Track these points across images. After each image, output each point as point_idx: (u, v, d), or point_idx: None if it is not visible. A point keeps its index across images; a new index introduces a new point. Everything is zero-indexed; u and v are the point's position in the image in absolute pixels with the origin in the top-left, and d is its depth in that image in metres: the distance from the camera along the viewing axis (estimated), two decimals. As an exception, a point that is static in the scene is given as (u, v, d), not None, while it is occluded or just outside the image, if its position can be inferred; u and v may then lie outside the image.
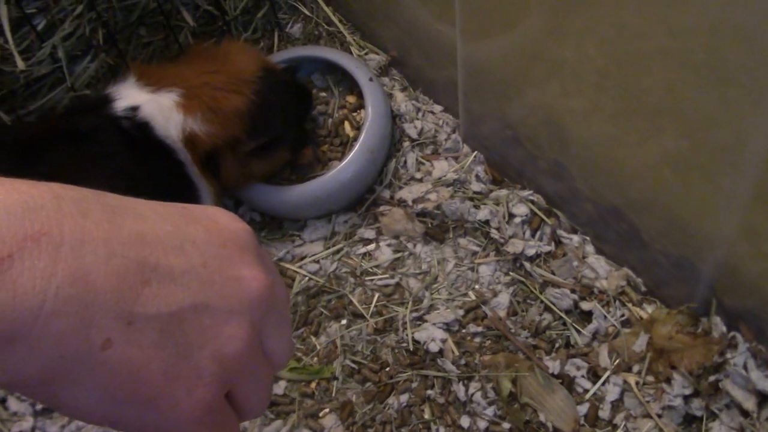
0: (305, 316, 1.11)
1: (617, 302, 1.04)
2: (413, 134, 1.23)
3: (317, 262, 1.16)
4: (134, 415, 0.34)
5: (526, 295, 1.08)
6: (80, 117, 1.02)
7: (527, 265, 1.09)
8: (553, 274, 1.08)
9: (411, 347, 1.05)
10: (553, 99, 0.97)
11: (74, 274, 0.30)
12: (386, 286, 1.12)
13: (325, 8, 1.41)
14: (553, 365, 1.00)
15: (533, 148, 1.08)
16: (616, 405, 0.98)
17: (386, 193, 1.20)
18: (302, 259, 1.17)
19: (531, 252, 1.08)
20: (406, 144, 1.23)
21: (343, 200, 1.18)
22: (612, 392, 0.98)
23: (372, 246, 1.16)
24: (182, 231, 0.35)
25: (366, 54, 1.35)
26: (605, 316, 1.03)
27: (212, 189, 1.08)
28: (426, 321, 1.07)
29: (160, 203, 0.36)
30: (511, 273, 1.09)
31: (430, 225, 1.15)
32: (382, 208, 1.19)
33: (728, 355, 0.93)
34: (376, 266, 1.14)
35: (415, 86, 1.30)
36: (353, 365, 1.06)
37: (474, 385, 1.01)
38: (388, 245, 1.15)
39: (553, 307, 1.05)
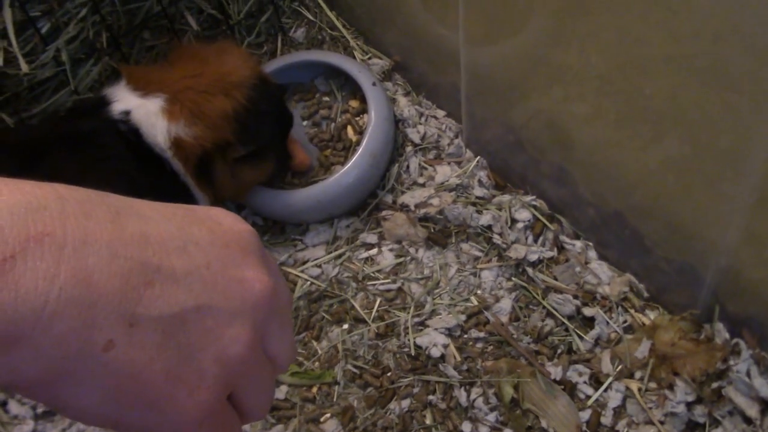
0: (307, 321, 1.11)
1: (620, 308, 1.04)
2: (416, 139, 1.23)
3: (319, 266, 1.16)
4: (136, 416, 0.34)
5: (529, 301, 1.08)
6: (81, 119, 1.02)
7: (530, 270, 1.08)
8: (556, 279, 1.08)
9: (413, 352, 1.05)
10: (555, 104, 0.97)
11: (77, 275, 0.30)
12: (388, 290, 1.12)
13: (329, 13, 1.41)
14: (555, 371, 1.00)
15: (536, 153, 1.08)
16: (619, 411, 0.98)
17: (389, 198, 1.20)
18: (304, 263, 1.17)
19: (533, 257, 1.08)
20: (409, 149, 1.23)
21: (345, 205, 1.18)
22: (614, 398, 0.98)
23: (374, 251, 1.16)
24: (186, 232, 0.35)
25: (369, 58, 1.35)
26: (608, 322, 1.03)
27: (207, 198, 1.08)
28: (428, 326, 1.07)
29: (163, 204, 0.36)
30: (513, 278, 1.09)
31: (432, 230, 1.15)
32: (384, 213, 1.18)
33: (731, 362, 0.92)
34: (378, 271, 1.14)
35: (418, 91, 1.30)
36: (355, 370, 1.06)
37: (476, 391, 1.01)
38: (390, 250, 1.15)
39: (555, 312, 1.05)
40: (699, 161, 0.82)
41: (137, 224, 0.33)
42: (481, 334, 1.05)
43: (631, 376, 0.99)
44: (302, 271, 1.15)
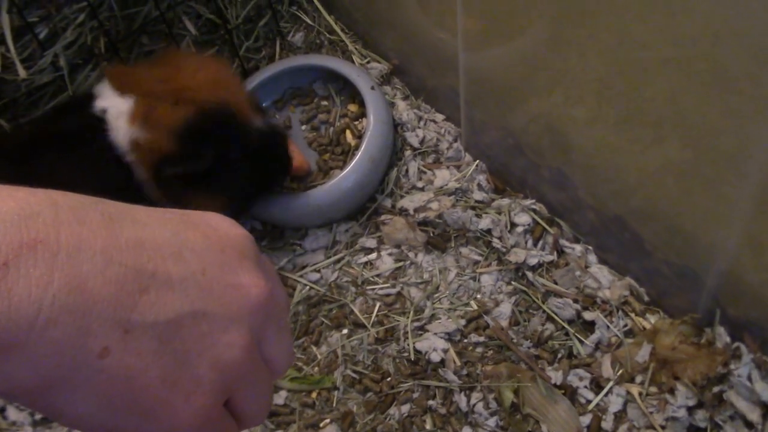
0: (306, 326, 1.11)
1: (620, 312, 1.04)
2: (415, 143, 1.23)
3: (318, 271, 1.16)
4: (132, 423, 0.34)
5: (528, 305, 1.07)
6: (69, 116, 1.02)
7: (529, 274, 1.08)
8: (556, 283, 1.07)
9: (412, 357, 1.05)
10: (555, 108, 0.97)
11: (71, 282, 0.30)
12: (387, 295, 1.12)
13: (327, 17, 1.41)
14: (555, 376, 1.00)
15: (535, 157, 1.07)
16: (619, 416, 0.97)
17: (388, 202, 1.20)
18: (303, 268, 1.16)
19: (533, 261, 1.08)
20: (408, 153, 1.23)
21: (344, 209, 1.18)
22: (615, 403, 0.98)
23: (373, 255, 1.16)
24: (181, 237, 0.35)
25: (368, 63, 1.35)
26: (608, 326, 1.03)
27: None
28: (427, 331, 1.07)
29: (158, 209, 0.36)
30: (513, 282, 1.09)
31: (431, 234, 1.15)
32: (383, 217, 1.18)
33: (732, 366, 0.92)
34: (378, 275, 1.14)
35: (417, 95, 1.30)
36: (354, 375, 1.05)
37: (476, 396, 1.00)
38: (390, 254, 1.15)
39: (555, 317, 1.05)
40: (699, 164, 0.81)
41: (132, 230, 0.33)
42: (481, 339, 1.05)
43: (631, 380, 0.99)
44: (301, 276, 1.15)
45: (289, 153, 1.13)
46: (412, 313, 1.08)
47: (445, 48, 1.11)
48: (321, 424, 1.03)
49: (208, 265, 0.35)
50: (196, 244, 0.35)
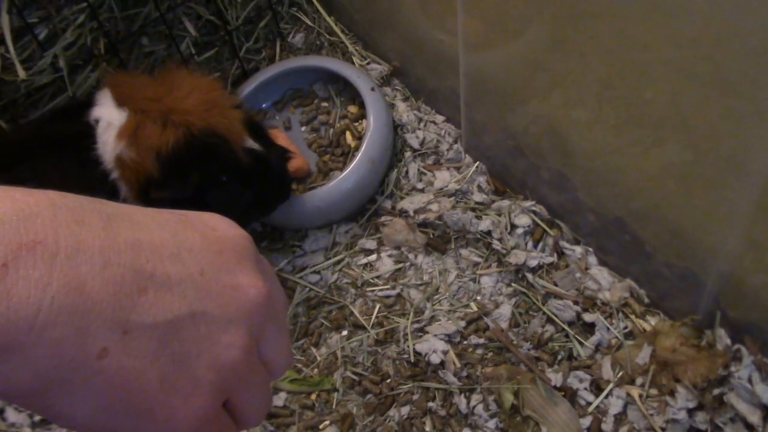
0: (306, 327, 1.11)
1: (620, 314, 1.03)
2: (415, 144, 1.23)
3: (318, 272, 1.15)
4: (130, 424, 0.34)
5: (529, 307, 1.07)
6: (66, 121, 1.01)
7: (529, 276, 1.08)
8: (556, 285, 1.07)
9: (412, 359, 1.05)
10: (555, 109, 0.97)
11: (70, 283, 0.30)
12: (387, 297, 1.11)
13: (327, 18, 1.41)
14: (555, 377, 1.00)
15: (536, 159, 1.07)
16: (620, 418, 0.97)
17: (387, 204, 1.19)
18: (303, 269, 1.16)
19: (533, 263, 1.08)
20: (408, 154, 1.23)
21: (344, 210, 1.18)
22: (615, 405, 0.97)
23: (373, 257, 1.16)
24: (179, 238, 0.35)
25: (368, 64, 1.35)
26: (608, 328, 1.03)
27: None
28: (427, 332, 1.07)
29: (157, 210, 0.36)
30: (513, 284, 1.09)
31: (431, 236, 1.15)
32: (383, 219, 1.18)
33: (733, 368, 0.92)
34: (377, 277, 1.13)
35: (417, 96, 1.30)
36: (354, 377, 1.05)
37: (476, 398, 1.00)
38: (390, 256, 1.15)
39: (555, 318, 1.05)
40: (699, 166, 0.81)
41: (130, 231, 0.33)
42: (481, 341, 1.05)
43: (632, 382, 0.99)
44: (301, 278, 1.15)
45: (287, 176, 1.11)
46: (411, 314, 1.08)
47: (445, 49, 1.11)
48: (321, 426, 1.02)
49: (207, 265, 0.35)
50: (194, 244, 0.35)
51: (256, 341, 0.37)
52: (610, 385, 0.99)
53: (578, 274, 1.07)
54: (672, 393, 0.95)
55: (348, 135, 1.27)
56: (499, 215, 1.13)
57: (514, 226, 1.12)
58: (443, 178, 1.19)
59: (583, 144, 0.96)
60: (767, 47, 0.65)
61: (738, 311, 0.92)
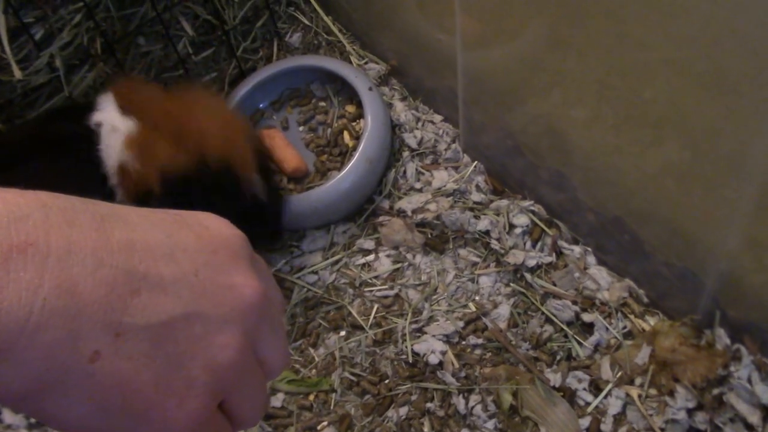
0: (303, 328, 1.10)
1: (619, 314, 1.03)
2: (413, 144, 1.23)
3: (316, 272, 1.15)
4: (125, 427, 0.33)
5: (527, 307, 1.07)
6: (65, 123, 1.00)
7: (528, 276, 1.08)
8: (554, 285, 1.07)
9: (410, 359, 1.04)
10: (554, 108, 0.96)
11: (61, 285, 0.30)
12: (385, 297, 1.11)
13: (325, 18, 1.40)
14: (554, 378, 0.99)
15: (534, 158, 1.07)
16: (619, 418, 0.97)
17: (385, 204, 1.19)
18: (301, 269, 1.16)
19: (532, 263, 1.08)
20: (406, 154, 1.22)
21: (342, 210, 1.17)
22: (614, 405, 0.97)
23: (371, 257, 1.15)
24: (173, 238, 0.35)
25: (365, 63, 1.34)
26: (607, 328, 1.02)
27: None
28: (425, 333, 1.06)
29: (150, 210, 0.36)
30: (511, 284, 1.08)
31: (429, 235, 1.14)
32: (381, 219, 1.18)
33: (732, 368, 0.91)
34: (375, 277, 1.13)
35: (415, 96, 1.30)
36: (352, 377, 1.05)
37: (474, 398, 1.00)
38: (388, 256, 1.14)
39: (554, 318, 1.04)
40: (699, 166, 0.81)
41: (123, 231, 0.33)
42: (480, 341, 1.04)
43: (631, 382, 0.98)
44: (299, 278, 1.14)
45: (281, 225, 1.09)
46: (410, 314, 1.08)
47: (443, 48, 1.11)
48: (318, 427, 1.02)
49: (201, 265, 0.35)
50: (188, 244, 0.35)
51: (252, 341, 0.37)
52: (609, 386, 0.98)
53: (577, 274, 1.07)
54: (671, 393, 0.95)
55: (346, 135, 1.26)
56: (498, 215, 1.13)
57: (512, 226, 1.11)
58: (441, 177, 1.19)
59: (582, 143, 0.96)
60: (766, 46, 0.65)
61: (737, 311, 0.92)
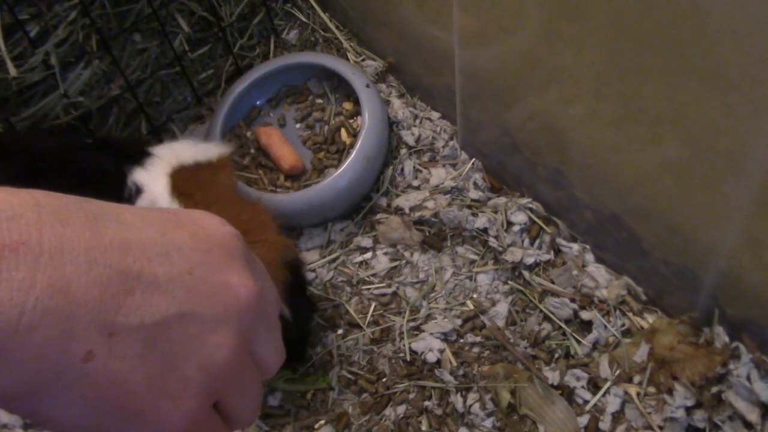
0: (301, 326, 1.10)
1: (617, 312, 1.03)
2: (410, 141, 1.22)
3: (313, 270, 1.15)
4: (119, 427, 0.33)
5: (525, 305, 1.07)
6: (100, 155, 0.96)
7: (526, 274, 1.07)
8: (553, 283, 1.07)
9: (408, 357, 1.04)
10: (552, 106, 0.96)
11: (54, 284, 0.29)
12: (383, 295, 1.11)
13: (322, 14, 1.40)
14: (552, 376, 0.99)
15: (532, 156, 1.07)
16: (617, 416, 0.97)
17: (383, 201, 1.19)
18: (298, 267, 1.15)
19: (530, 261, 1.07)
20: (403, 151, 1.22)
21: (339, 208, 1.17)
22: (613, 403, 0.97)
23: (369, 254, 1.15)
24: (167, 237, 0.34)
25: (363, 60, 1.34)
26: (605, 326, 1.02)
27: None
28: (423, 331, 1.06)
29: (145, 209, 0.35)
30: (509, 282, 1.08)
31: (427, 233, 1.14)
32: (378, 216, 1.17)
33: (731, 366, 0.91)
34: (373, 275, 1.13)
35: (412, 93, 1.29)
36: (349, 376, 1.04)
37: (472, 396, 1.00)
38: (385, 254, 1.14)
39: (552, 316, 1.04)
40: (697, 163, 0.81)
41: (117, 230, 0.32)
42: (478, 339, 1.04)
43: (629, 380, 0.98)
44: (296, 276, 1.14)
45: (305, 348, 1.06)
46: (407, 313, 1.08)
47: (440, 45, 1.11)
48: (316, 426, 1.02)
49: (196, 265, 0.35)
50: (183, 243, 0.35)
51: (247, 341, 0.37)
52: (608, 384, 0.98)
53: (575, 272, 1.06)
54: (670, 391, 0.95)
55: (343, 132, 1.26)
56: (496, 212, 1.13)
57: (510, 224, 1.11)
58: (439, 175, 1.18)
59: (580, 141, 0.96)
60: (765, 42, 0.64)
61: (736, 308, 0.92)
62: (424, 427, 0.99)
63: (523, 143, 1.07)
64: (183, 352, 0.33)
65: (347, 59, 1.34)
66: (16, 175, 0.92)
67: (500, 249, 1.09)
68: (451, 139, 1.22)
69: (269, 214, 0.96)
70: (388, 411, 1.01)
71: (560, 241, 1.09)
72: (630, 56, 0.79)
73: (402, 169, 1.21)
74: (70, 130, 1.19)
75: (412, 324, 1.07)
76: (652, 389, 0.97)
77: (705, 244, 0.88)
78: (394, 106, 1.26)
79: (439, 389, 1.01)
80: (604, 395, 0.98)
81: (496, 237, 1.10)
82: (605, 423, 0.96)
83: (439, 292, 1.09)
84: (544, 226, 1.11)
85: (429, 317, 1.07)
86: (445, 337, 1.05)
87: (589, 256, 1.08)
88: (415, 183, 1.19)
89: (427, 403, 1.00)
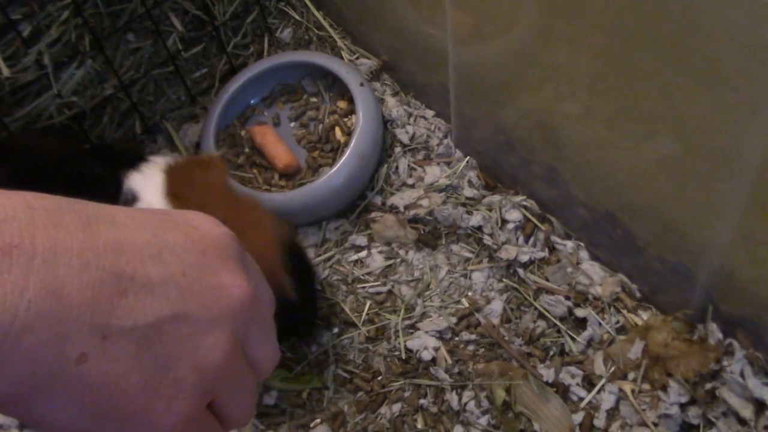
0: (296, 325, 1.10)
1: (612, 309, 1.03)
2: (405, 140, 1.22)
3: (308, 269, 1.15)
4: (113, 430, 0.33)
5: (520, 302, 1.07)
6: (97, 163, 0.96)
7: (521, 271, 1.07)
8: (547, 280, 1.07)
9: (403, 355, 1.04)
10: (546, 103, 0.96)
11: (47, 287, 0.29)
12: (378, 293, 1.11)
13: (316, 13, 1.40)
14: (547, 373, 0.99)
15: (526, 153, 1.07)
16: (612, 413, 0.97)
17: (378, 200, 1.19)
18: (293, 266, 1.15)
19: (524, 258, 1.07)
20: (398, 149, 1.22)
21: (334, 207, 1.17)
22: (607, 400, 0.97)
23: (364, 253, 1.15)
24: (161, 238, 0.34)
25: (357, 59, 1.34)
26: (600, 323, 1.02)
27: None
28: (418, 329, 1.06)
29: (138, 210, 0.35)
30: (504, 280, 1.08)
31: (422, 231, 1.14)
32: (373, 215, 1.17)
33: (725, 363, 0.92)
34: (368, 273, 1.13)
35: (406, 91, 1.29)
36: (345, 374, 1.05)
37: (467, 394, 1.00)
38: (380, 252, 1.14)
39: (547, 314, 1.04)
40: (692, 160, 0.81)
41: (110, 232, 0.32)
42: (473, 337, 1.04)
43: (624, 377, 0.98)
44: (291, 275, 1.14)
45: (314, 317, 1.07)
46: (402, 311, 1.08)
47: (434, 44, 1.11)
48: (312, 424, 1.02)
49: (189, 266, 0.34)
50: (176, 245, 0.35)
51: (241, 342, 0.37)
52: (603, 381, 0.98)
53: (570, 269, 1.06)
54: (664, 388, 0.95)
55: (337, 130, 1.26)
56: (490, 210, 1.13)
57: (504, 222, 1.11)
58: (433, 173, 1.18)
59: (574, 138, 0.96)
60: (759, 40, 0.64)
61: (730, 305, 0.92)
62: (419, 425, 0.99)
63: (518, 141, 1.07)
64: (177, 354, 0.33)
65: (341, 58, 1.34)
66: (11, 178, 0.92)
67: (495, 247, 1.09)
68: (446, 137, 1.22)
69: (261, 205, 0.97)
70: (383, 409, 1.01)
71: (555, 238, 1.09)
72: (624, 54, 0.79)
73: (396, 168, 1.21)
74: (63, 129, 1.19)
75: (407, 322, 1.07)
76: (646, 386, 0.97)
77: (699, 241, 0.88)
78: (388, 105, 1.26)
79: (435, 387, 1.01)
80: (598, 392, 0.98)
81: (491, 235, 1.10)
82: (600, 420, 0.96)
83: (434, 290, 1.10)
84: (538, 224, 1.11)
85: (424, 315, 1.07)
86: (440, 335, 1.05)
87: (584, 254, 1.08)
88: (410, 181, 1.19)
89: (422, 401, 1.01)
